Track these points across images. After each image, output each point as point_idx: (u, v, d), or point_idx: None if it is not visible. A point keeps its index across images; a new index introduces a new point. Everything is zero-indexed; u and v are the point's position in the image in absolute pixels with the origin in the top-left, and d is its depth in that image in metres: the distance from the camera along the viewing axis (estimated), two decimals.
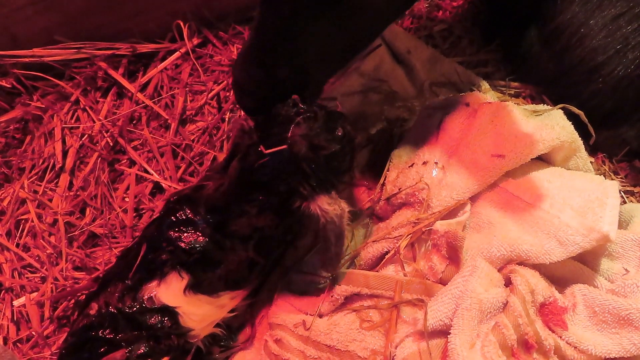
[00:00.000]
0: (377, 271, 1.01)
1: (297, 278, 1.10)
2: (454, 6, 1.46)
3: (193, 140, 1.32)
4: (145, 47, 1.40)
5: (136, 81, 1.38)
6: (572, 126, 1.03)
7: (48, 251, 1.23)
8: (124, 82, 1.37)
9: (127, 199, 1.28)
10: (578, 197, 0.94)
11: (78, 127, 1.35)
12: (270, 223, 0.93)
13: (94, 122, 1.35)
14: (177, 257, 0.93)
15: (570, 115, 1.05)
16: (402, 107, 1.26)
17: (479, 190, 0.99)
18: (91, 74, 1.38)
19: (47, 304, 1.16)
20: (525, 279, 0.88)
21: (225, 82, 1.38)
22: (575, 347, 0.86)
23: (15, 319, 1.19)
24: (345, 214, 0.92)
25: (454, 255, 0.94)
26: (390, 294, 0.96)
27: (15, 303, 1.19)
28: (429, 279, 0.96)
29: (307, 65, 0.89)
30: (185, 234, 0.94)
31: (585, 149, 1.07)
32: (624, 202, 1.15)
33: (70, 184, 1.31)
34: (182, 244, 0.93)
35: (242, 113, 1.31)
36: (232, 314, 1.00)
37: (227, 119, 1.33)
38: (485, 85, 1.28)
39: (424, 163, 1.03)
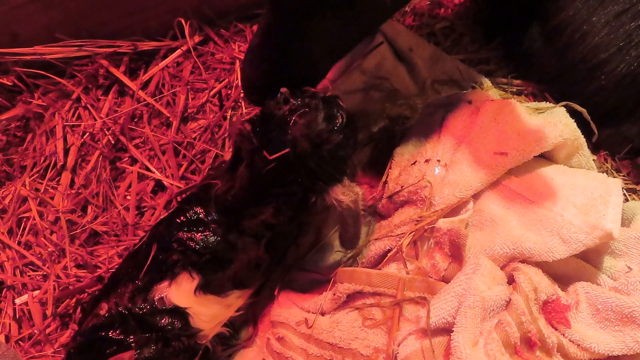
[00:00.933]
0: (380, 269, 1.01)
1: (299, 276, 1.10)
2: (455, 4, 1.46)
3: (195, 138, 1.32)
4: (146, 45, 1.39)
5: (137, 79, 1.38)
6: (575, 124, 1.03)
7: (50, 249, 1.23)
8: (126, 80, 1.37)
9: (128, 197, 1.28)
10: (581, 194, 0.94)
11: (79, 125, 1.35)
12: (285, 220, 0.93)
13: (96, 120, 1.34)
14: (189, 258, 0.92)
15: (573, 113, 1.05)
16: (404, 104, 1.26)
17: (482, 188, 0.99)
18: (92, 72, 1.37)
19: (49, 301, 1.16)
20: (529, 276, 0.88)
21: (227, 80, 1.37)
22: (578, 345, 0.86)
23: (17, 317, 1.19)
24: (359, 196, 0.91)
25: (456, 253, 0.94)
26: (392, 292, 0.96)
27: (17, 301, 1.19)
28: (431, 277, 0.95)
29: (316, 59, 0.90)
30: (196, 234, 0.93)
31: (588, 147, 1.07)
32: (627, 200, 1.15)
33: (72, 182, 1.31)
34: (194, 245, 0.92)
35: (242, 113, 1.32)
36: (238, 313, 1.00)
37: (228, 117, 1.33)
38: (487, 83, 1.28)
39: (427, 161, 1.03)
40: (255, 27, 1.42)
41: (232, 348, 1.07)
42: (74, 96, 1.37)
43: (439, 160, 1.02)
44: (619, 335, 0.85)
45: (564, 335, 0.87)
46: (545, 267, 0.92)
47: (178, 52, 1.40)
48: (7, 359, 0.92)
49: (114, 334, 0.90)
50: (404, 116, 1.24)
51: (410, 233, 0.98)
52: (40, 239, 1.24)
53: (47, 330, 1.16)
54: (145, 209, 1.27)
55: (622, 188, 1.02)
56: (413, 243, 0.99)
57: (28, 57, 1.32)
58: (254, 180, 0.90)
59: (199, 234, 0.93)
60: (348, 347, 0.94)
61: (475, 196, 0.99)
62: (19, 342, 1.17)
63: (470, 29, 1.41)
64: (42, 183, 1.30)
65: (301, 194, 0.90)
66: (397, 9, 1.30)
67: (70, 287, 1.18)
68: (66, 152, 1.32)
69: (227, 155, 1.26)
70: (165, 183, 1.28)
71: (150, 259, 0.93)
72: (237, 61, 1.38)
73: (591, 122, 1.03)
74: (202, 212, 0.94)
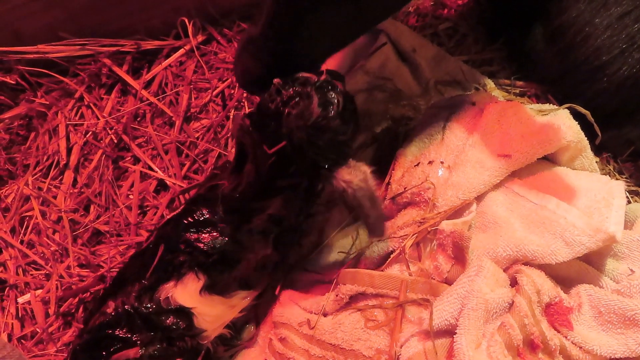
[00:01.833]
0: (382, 270, 1.01)
1: (302, 276, 1.10)
2: (459, 4, 1.46)
3: (197, 138, 1.32)
4: (149, 44, 1.39)
5: (140, 78, 1.38)
6: (579, 126, 1.03)
7: (52, 248, 1.23)
8: (128, 79, 1.37)
9: (131, 196, 1.28)
10: (584, 197, 0.94)
11: (82, 124, 1.35)
12: (293, 212, 0.93)
13: (98, 119, 1.35)
14: (195, 258, 0.93)
15: (576, 115, 1.04)
16: (407, 105, 1.25)
17: (485, 190, 0.99)
18: (95, 71, 1.37)
19: (52, 300, 1.17)
20: (531, 279, 0.88)
21: (230, 79, 1.37)
22: (581, 347, 0.86)
23: (19, 315, 1.19)
24: (369, 174, 0.88)
25: (459, 255, 0.94)
26: (395, 294, 0.96)
27: (20, 300, 1.19)
28: (434, 279, 0.95)
29: (318, 50, 0.91)
30: (203, 235, 0.93)
31: (590, 149, 1.07)
32: (629, 202, 1.15)
33: (75, 181, 1.31)
34: (201, 245, 0.92)
35: (244, 111, 1.32)
36: (241, 314, 1.00)
37: (231, 117, 1.33)
38: (490, 84, 1.28)
39: (430, 162, 1.03)
40: None
41: (234, 348, 1.08)
42: (77, 95, 1.37)
43: (442, 162, 1.02)
44: (622, 337, 0.85)
45: (566, 337, 0.87)
46: (548, 270, 0.92)
47: (181, 51, 1.40)
48: None
49: (120, 332, 0.90)
50: (407, 117, 1.24)
51: (413, 235, 0.98)
52: (43, 238, 1.24)
53: (50, 329, 1.16)
54: (148, 208, 1.27)
55: (625, 190, 1.02)
56: (416, 245, 0.99)
57: (31, 56, 1.32)
58: (259, 176, 0.90)
59: (207, 234, 0.93)
60: (350, 348, 0.95)
61: (479, 198, 0.99)
62: (21, 340, 1.17)
63: (474, 30, 1.40)
64: (44, 182, 1.30)
65: (306, 183, 0.90)
66: (400, 7, 1.29)
67: (73, 287, 1.18)
68: (69, 151, 1.33)
69: (231, 155, 1.26)
70: (167, 182, 1.28)
71: (157, 258, 0.93)
72: None
73: (595, 125, 1.02)
74: (209, 212, 0.94)
